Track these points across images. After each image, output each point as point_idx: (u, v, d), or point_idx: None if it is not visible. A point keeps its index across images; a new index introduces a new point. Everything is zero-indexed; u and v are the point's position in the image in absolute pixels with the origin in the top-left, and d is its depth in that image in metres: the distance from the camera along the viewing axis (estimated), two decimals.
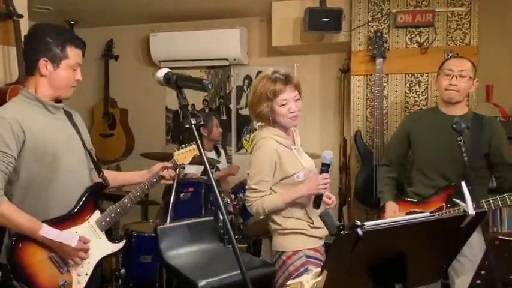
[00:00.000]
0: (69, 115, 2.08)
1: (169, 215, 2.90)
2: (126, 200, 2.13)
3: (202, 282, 2.00)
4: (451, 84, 2.55)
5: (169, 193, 3.14)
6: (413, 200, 2.64)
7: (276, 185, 2.18)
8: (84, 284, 1.99)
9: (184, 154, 2.38)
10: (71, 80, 1.98)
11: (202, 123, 4.51)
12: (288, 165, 2.16)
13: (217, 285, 2.02)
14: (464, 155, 2.12)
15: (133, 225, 3.47)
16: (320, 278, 1.22)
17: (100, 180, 2.13)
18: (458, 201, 1.37)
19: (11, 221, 1.84)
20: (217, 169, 3.77)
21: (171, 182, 2.31)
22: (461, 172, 2.37)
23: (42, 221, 1.88)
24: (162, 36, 4.24)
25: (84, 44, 2.03)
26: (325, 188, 2.11)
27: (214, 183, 1.44)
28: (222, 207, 1.45)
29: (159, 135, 4.56)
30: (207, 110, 4.44)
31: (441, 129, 2.55)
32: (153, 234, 2.56)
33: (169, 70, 1.47)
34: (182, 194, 3.23)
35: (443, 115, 2.62)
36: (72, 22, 4.41)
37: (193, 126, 1.38)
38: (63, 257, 1.93)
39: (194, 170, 3.56)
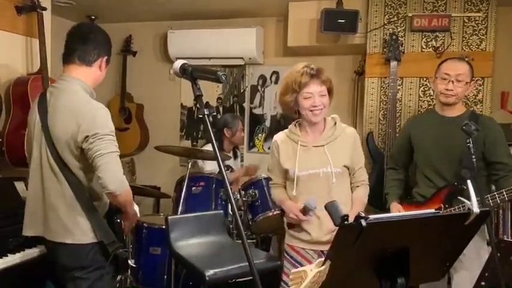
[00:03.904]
0: None
1: (180, 207, 2.96)
2: None
3: (209, 272, 2.05)
4: (447, 89, 2.58)
5: (181, 186, 3.20)
6: (419, 201, 2.68)
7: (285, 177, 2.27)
8: None
9: None
10: None
11: (227, 124, 4.49)
12: (283, 158, 2.21)
13: (223, 275, 2.07)
14: (473, 156, 2.10)
15: (144, 217, 3.52)
16: (323, 267, 1.25)
17: None
18: (463, 199, 1.38)
19: (130, 199, 2.02)
20: (232, 170, 3.74)
21: None
22: (457, 172, 2.45)
23: None
24: (180, 33, 4.30)
25: None
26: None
27: (226, 178, 1.46)
28: (233, 201, 1.49)
29: (174, 131, 4.62)
30: (221, 108, 4.49)
31: (437, 130, 2.63)
32: (163, 227, 2.62)
33: (186, 62, 1.51)
34: (193, 188, 3.27)
35: (439, 117, 2.67)
36: (93, 17, 4.50)
37: (205, 116, 1.42)
38: None
39: (212, 167, 3.54)
